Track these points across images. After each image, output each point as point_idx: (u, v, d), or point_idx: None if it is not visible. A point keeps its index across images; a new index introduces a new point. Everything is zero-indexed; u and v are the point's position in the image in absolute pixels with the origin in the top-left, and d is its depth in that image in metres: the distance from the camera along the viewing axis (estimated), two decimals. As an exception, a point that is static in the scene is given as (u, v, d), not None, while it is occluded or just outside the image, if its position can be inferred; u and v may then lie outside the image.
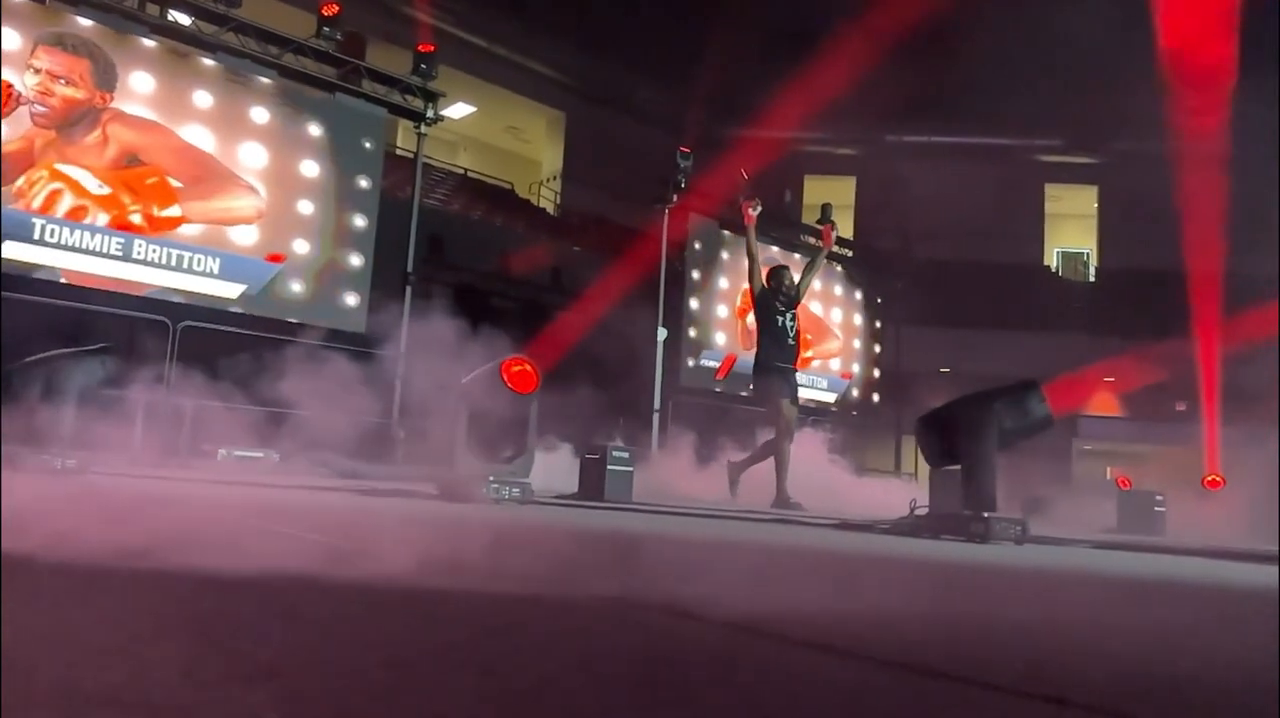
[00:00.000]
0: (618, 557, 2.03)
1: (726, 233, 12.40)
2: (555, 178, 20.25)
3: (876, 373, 14.37)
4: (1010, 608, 1.69)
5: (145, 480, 4.29)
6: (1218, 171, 13.72)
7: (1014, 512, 7.68)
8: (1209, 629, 1.59)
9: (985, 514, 3.71)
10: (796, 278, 7.34)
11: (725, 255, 12.34)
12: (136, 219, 7.68)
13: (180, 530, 1.96)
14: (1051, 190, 20.84)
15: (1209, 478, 7.87)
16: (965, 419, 3.88)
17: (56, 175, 7.40)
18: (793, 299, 7.10)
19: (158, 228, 7.76)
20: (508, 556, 1.87)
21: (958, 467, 3.91)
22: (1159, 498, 6.78)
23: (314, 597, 1.20)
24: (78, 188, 7.47)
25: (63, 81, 7.48)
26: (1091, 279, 20.53)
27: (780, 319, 7.01)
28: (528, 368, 3.88)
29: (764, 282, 7.08)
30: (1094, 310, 17.56)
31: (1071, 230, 21.66)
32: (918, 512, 4.25)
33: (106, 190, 7.60)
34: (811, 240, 13.47)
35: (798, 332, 7.13)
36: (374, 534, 2.26)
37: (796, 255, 13.19)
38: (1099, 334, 16.07)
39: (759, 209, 7.31)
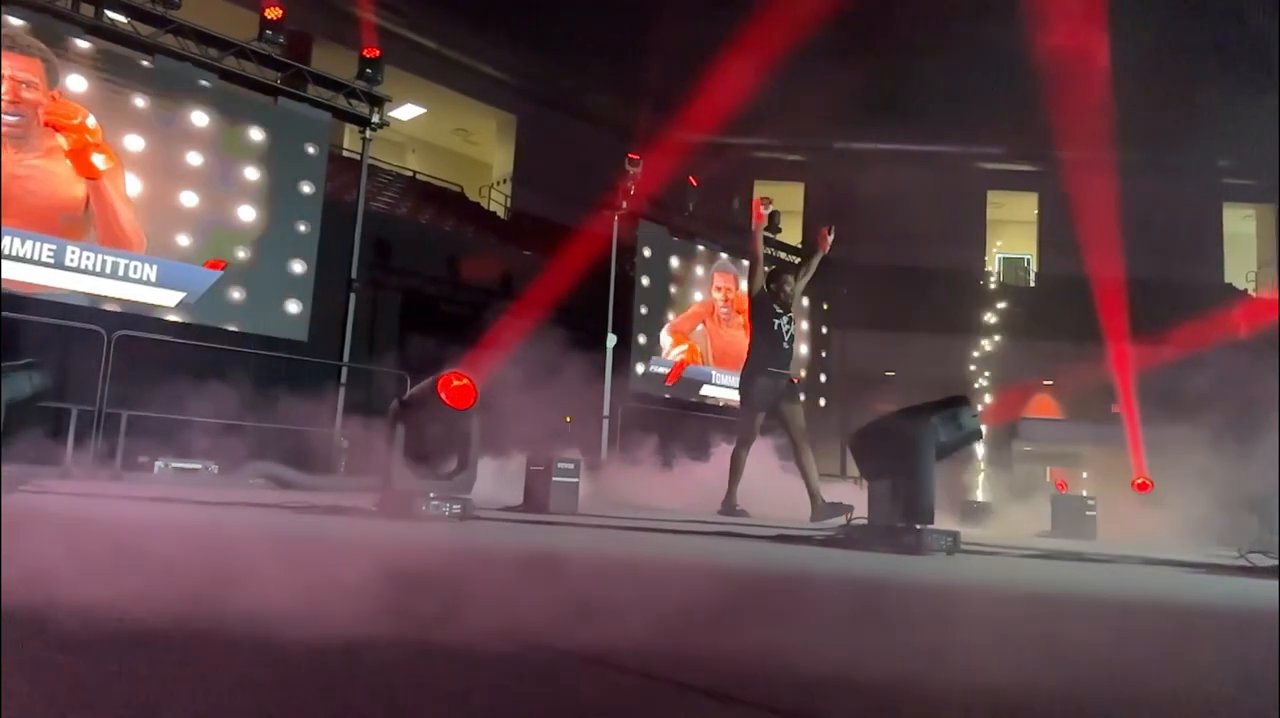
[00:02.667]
0: (539, 588, 2.04)
1: (675, 239, 12.47)
2: (505, 181, 20.16)
3: (823, 378, 14.55)
4: (922, 638, 1.74)
5: (63, 498, 4.18)
6: (1108, 177, 14.13)
7: (955, 513, 7.87)
8: (1130, 654, 1.65)
9: (918, 526, 3.78)
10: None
11: (675, 262, 12.40)
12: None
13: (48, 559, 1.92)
14: (993, 197, 21.31)
15: (1137, 481, 8.11)
16: (902, 433, 3.95)
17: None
18: (789, 302, 7.05)
19: (80, 160, 7.56)
20: (417, 588, 1.86)
21: (892, 479, 3.98)
22: (1090, 502, 6.99)
23: (186, 645, 1.18)
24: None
25: (25, 85, 7.29)
26: (1032, 284, 21.03)
27: (777, 322, 6.96)
28: (466, 383, 3.86)
29: (764, 284, 7.03)
30: (1034, 314, 17.98)
31: (1013, 236, 22.17)
32: (855, 522, 4.33)
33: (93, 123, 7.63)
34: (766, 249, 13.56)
35: (794, 335, 7.10)
36: (281, 563, 2.24)
37: (745, 262, 13.31)
38: (1039, 338, 16.48)
39: (770, 208, 7.23)
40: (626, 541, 3.85)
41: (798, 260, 14.08)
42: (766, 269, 7.20)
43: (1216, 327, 13.97)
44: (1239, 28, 16.76)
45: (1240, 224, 21.90)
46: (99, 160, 7.63)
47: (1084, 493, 7.60)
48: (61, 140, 7.49)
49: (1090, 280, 13.48)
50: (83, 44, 7.73)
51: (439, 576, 2.14)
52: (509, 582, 2.12)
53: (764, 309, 7.02)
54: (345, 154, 14.87)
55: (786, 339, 7.00)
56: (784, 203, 17.55)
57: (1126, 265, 14.18)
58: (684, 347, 12.15)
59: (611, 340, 10.92)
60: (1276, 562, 3.82)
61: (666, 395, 11.92)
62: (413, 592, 1.79)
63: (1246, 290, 20.72)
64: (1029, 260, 21.83)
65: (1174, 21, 15.23)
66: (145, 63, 8.08)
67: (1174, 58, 16.17)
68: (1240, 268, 21.39)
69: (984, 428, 10.29)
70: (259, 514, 3.98)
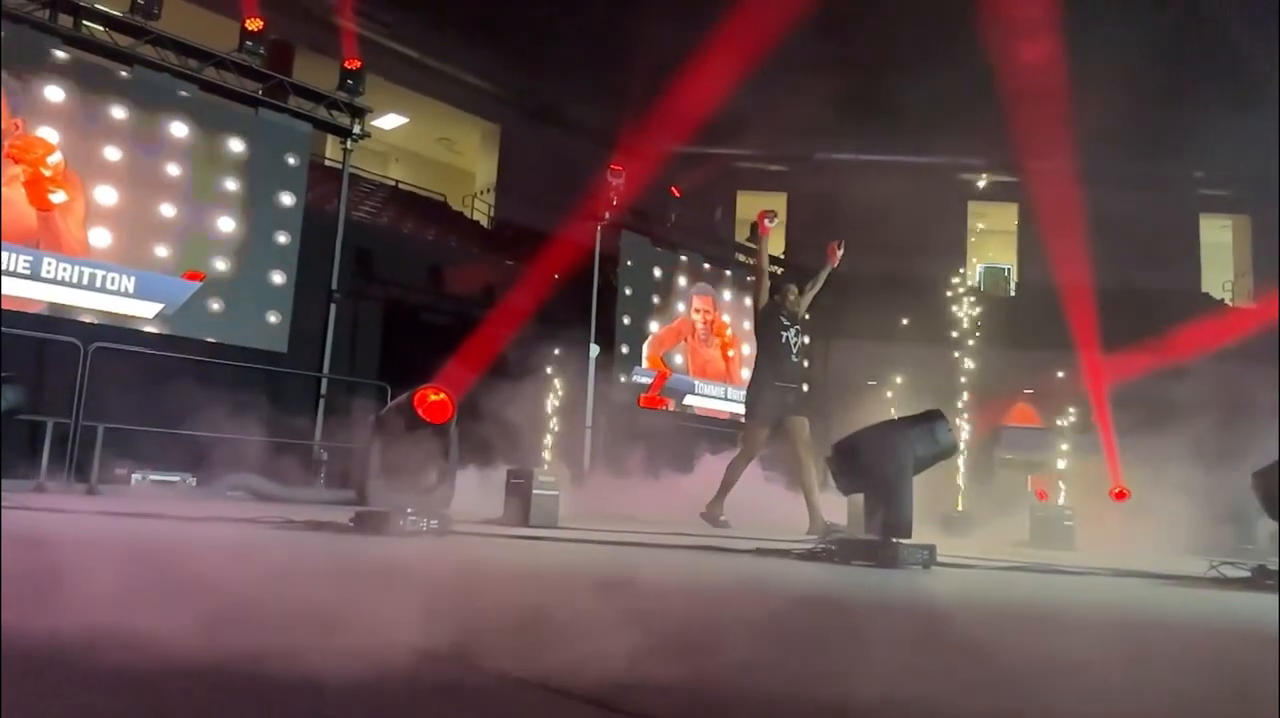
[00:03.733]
0: (500, 610, 2.03)
1: (658, 249, 12.49)
2: (489, 190, 20.15)
3: (805, 387, 14.57)
4: (884, 657, 1.74)
5: (32, 514, 4.13)
6: (1071, 187, 14.29)
7: (936, 523, 7.89)
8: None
9: (894, 540, 3.80)
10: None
11: (658, 272, 12.42)
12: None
13: None
14: (974, 208, 21.48)
15: (1114, 490, 8.19)
16: (880, 448, 3.97)
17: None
18: (796, 314, 6.99)
19: (34, 192, 7.47)
20: (375, 611, 1.85)
21: (872, 493, 4.00)
22: (1068, 513, 7.05)
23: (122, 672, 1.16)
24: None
25: None
26: (1013, 293, 21.18)
27: (784, 334, 6.87)
28: (443, 398, 3.85)
29: (769, 296, 6.96)
30: (1015, 323, 18.09)
31: (994, 246, 22.36)
32: (834, 535, 4.35)
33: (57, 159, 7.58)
34: (741, 258, 13.67)
35: (801, 348, 6.99)
36: (246, 583, 2.23)
37: (728, 273, 13.37)
38: (1020, 347, 16.56)
39: (775, 221, 7.10)
40: (600, 556, 3.85)
41: (780, 270, 14.15)
42: (771, 281, 7.14)
43: (1196, 336, 14.10)
44: (1215, 41, 17.00)
45: (1217, 234, 22.17)
46: (55, 196, 7.57)
47: (1061, 503, 7.65)
48: (19, 170, 7.42)
49: (1064, 291, 13.62)
50: (61, 54, 7.68)
51: (401, 596, 2.13)
52: (471, 604, 2.11)
53: (771, 321, 6.92)
54: (328, 163, 14.82)
55: (795, 351, 6.89)
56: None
57: (1105, 275, 14.32)
58: (654, 372, 12.12)
59: (594, 350, 10.92)
60: (1247, 573, 3.86)
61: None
62: (371, 615, 1.78)
63: (1223, 300, 20.96)
64: (1010, 270, 22.01)
65: (1150, 35, 15.43)
66: (124, 73, 8.04)
67: (1150, 71, 16.37)
68: (1217, 277, 21.64)
69: (965, 438, 10.34)
70: (232, 530, 3.95)
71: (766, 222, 7.07)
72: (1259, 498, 3.88)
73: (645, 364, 11.96)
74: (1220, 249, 22.20)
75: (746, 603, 2.52)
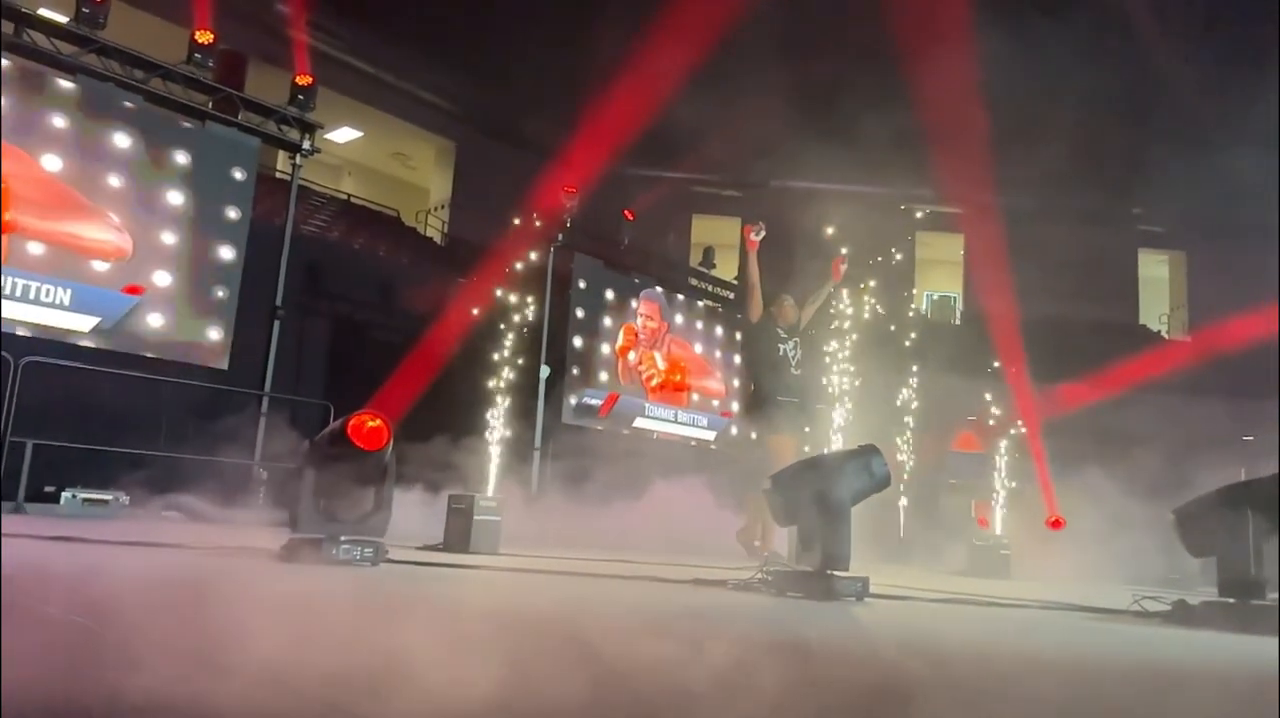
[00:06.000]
0: (396, 651, 1.99)
1: (611, 272, 12.51)
2: (443, 207, 20.04)
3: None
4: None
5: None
6: (993, 221, 14.70)
7: (878, 550, 7.99)
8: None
9: (829, 572, 3.84)
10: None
11: (610, 295, 12.43)
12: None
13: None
14: (922, 237, 21.87)
15: (1050, 520, 8.37)
16: (816, 482, 4.01)
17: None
18: (794, 327, 6.85)
19: None
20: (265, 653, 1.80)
21: (807, 526, 4.04)
22: (1005, 542, 7.19)
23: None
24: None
25: None
26: (958, 322, 21.60)
27: (781, 348, 6.72)
28: (379, 424, 3.81)
29: (763, 308, 6.81)
30: (960, 351, 18.43)
31: (941, 275, 22.81)
32: (771, 566, 4.38)
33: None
34: (694, 282, 13.76)
35: (800, 362, 6.80)
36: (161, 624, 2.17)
37: (680, 296, 13.44)
38: (964, 374, 16.87)
39: (762, 234, 6.81)
40: (528, 588, 3.82)
41: (731, 296, 14.28)
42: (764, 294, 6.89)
43: (1134, 369, 14.50)
44: (1156, 83, 17.63)
45: (1154, 269, 22.91)
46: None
47: (999, 533, 7.81)
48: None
49: (997, 323, 13.95)
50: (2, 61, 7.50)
51: (283, 639, 2.08)
52: (365, 645, 2.06)
53: (767, 334, 6.79)
54: (278, 175, 14.62)
55: (794, 364, 6.75)
56: (722, 237, 17.77)
57: (1046, 307, 14.67)
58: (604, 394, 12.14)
59: (545, 372, 10.88)
60: (1168, 607, 3.97)
61: (600, 428, 11.89)
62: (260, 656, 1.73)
63: (1160, 332, 21.64)
64: (956, 299, 22.46)
65: (1093, 77, 15.94)
66: (66, 83, 7.86)
67: (1094, 110, 16.91)
68: (1154, 311, 22.35)
69: (909, 464, 10.50)
70: (155, 556, 3.85)
71: (753, 235, 6.93)
72: (1179, 535, 4.00)
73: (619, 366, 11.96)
74: (1157, 283, 22.93)
75: (636, 641, 2.50)
